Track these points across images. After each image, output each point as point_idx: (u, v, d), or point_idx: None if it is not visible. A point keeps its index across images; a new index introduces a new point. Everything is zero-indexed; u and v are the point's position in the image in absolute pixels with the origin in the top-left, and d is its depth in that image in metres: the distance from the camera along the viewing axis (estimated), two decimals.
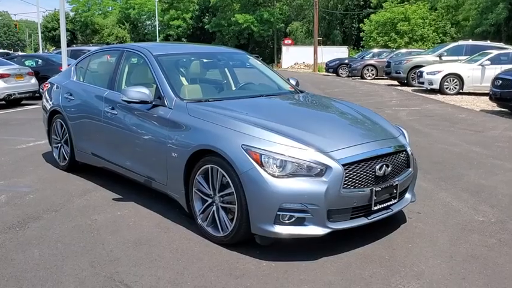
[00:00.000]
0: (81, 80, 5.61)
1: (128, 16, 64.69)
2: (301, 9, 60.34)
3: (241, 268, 3.32)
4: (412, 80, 18.88)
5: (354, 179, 3.47)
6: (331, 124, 4.07)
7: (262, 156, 3.37)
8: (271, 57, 60.88)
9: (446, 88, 16.04)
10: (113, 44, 58.86)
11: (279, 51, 54.98)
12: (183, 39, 62.93)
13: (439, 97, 15.23)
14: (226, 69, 5.33)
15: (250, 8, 60.63)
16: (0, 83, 12.57)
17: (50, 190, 5.04)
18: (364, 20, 46.61)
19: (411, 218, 4.28)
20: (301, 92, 5.14)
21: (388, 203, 3.72)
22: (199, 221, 3.81)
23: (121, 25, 64.35)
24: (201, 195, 3.79)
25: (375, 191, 3.53)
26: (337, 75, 29.26)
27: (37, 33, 67.60)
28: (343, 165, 3.40)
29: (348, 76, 27.69)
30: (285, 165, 3.36)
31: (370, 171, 3.55)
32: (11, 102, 13.15)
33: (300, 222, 3.37)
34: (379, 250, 3.62)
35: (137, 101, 4.21)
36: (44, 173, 5.70)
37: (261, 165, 3.35)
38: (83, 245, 3.69)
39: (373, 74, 25.48)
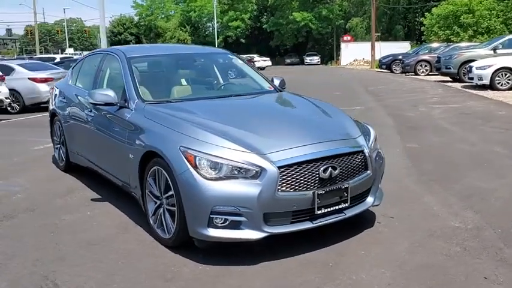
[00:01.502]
0: (74, 83, 5.81)
1: (189, 19, 66.18)
2: (361, 5, 59.00)
3: (175, 271, 3.29)
4: (464, 76, 17.89)
5: (292, 181, 3.32)
6: (283, 125, 3.92)
7: (197, 158, 3.32)
8: (330, 54, 60.13)
9: (498, 83, 15.05)
10: None
11: (339, 48, 54.18)
12: (241, 39, 63.58)
13: (488, 93, 14.33)
14: (204, 69, 5.31)
15: (309, 6, 60.16)
16: (44, 87, 13.29)
17: (39, 190, 5.27)
18: (425, 13, 44.78)
19: (380, 222, 4.06)
20: (280, 91, 5.01)
21: (338, 207, 3.52)
22: (151, 223, 3.83)
23: (182, 28, 65.99)
24: (152, 197, 3.80)
25: (318, 194, 3.36)
26: (391, 71, 28.37)
27: (107, 37, 70.56)
28: (280, 167, 3.28)
29: (402, 72, 26.75)
30: (220, 168, 3.29)
31: (313, 173, 3.38)
32: None
33: (235, 225, 3.29)
34: (327, 256, 3.46)
35: (102, 103, 4.30)
36: (43, 174, 5.97)
37: (195, 167, 3.31)
38: (37, 243, 3.80)
39: (426, 70, 24.42)
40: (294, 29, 60.33)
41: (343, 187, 3.50)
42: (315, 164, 3.40)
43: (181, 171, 3.34)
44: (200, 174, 3.28)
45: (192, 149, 3.36)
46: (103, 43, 15.06)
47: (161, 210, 3.70)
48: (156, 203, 3.76)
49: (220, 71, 5.32)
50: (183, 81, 5.04)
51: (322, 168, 3.39)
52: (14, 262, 3.48)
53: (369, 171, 3.75)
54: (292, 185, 3.32)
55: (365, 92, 15.48)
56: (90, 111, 4.85)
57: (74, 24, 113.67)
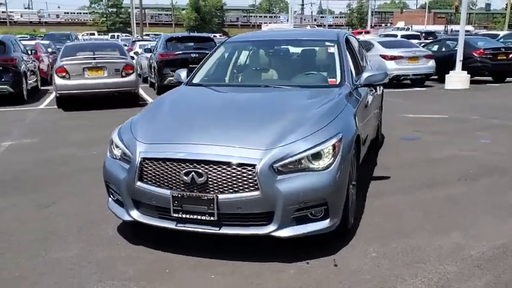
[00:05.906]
0: None
1: None
2: None
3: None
4: None
5: (152, 175, 3.38)
6: (226, 121, 3.77)
7: (112, 139, 3.83)
8: None
9: None
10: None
11: None
12: None
13: None
14: (284, 57, 5.32)
15: None
16: (392, 64, 13.91)
17: None
18: None
19: (308, 264, 3.29)
20: (335, 87, 4.40)
21: (202, 218, 3.26)
22: None
23: None
24: None
25: (173, 196, 3.27)
26: None
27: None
28: (144, 158, 3.39)
29: None
30: (116, 149, 3.71)
31: (175, 174, 3.28)
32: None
33: (120, 203, 3.65)
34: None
35: (175, 81, 5.10)
36: None
37: (110, 145, 3.84)
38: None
39: None
40: None
41: (207, 198, 3.20)
42: (179, 165, 3.28)
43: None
44: (110, 152, 3.80)
45: (117, 131, 3.87)
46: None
47: None
48: None
49: (302, 60, 5.25)
50: (246, 67, 5.26)
51: (184, 171, 3.24)
52: None
53: (257, 193, 3.16)
54: (153, 179, 3.37)
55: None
56: None
57: None
